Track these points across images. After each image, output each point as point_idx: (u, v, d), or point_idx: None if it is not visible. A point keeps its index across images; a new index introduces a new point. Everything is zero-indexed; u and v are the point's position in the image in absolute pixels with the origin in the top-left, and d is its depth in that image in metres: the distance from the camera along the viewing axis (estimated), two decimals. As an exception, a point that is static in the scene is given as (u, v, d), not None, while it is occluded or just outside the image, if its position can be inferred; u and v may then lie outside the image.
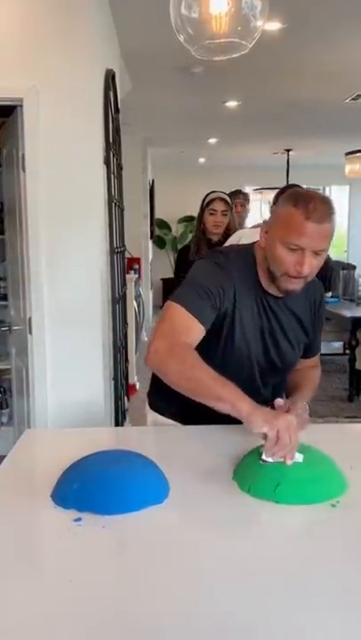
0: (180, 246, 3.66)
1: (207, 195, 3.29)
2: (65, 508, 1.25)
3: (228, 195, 3.82)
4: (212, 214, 3.15)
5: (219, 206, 3.16)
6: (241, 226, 4.05)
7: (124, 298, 3.54)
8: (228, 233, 3.14)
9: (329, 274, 3.60)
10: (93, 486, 1.27)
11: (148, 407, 1.92)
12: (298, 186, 2.60)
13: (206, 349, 1.52)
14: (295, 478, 1.29)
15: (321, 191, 11.32)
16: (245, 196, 4.34)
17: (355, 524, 1.18)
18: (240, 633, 0.88)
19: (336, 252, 10.07)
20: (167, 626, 0.90)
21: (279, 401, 1.55)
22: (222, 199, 3.20)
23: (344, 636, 0.88)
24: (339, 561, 1.08)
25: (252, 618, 0.92)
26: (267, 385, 1.72)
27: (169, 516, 1.24)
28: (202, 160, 10.08)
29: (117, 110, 3.37)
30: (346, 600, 0.96)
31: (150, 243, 9.04)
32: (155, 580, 1.01)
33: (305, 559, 1.08)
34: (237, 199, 4.14)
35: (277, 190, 3.45)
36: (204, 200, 3.26)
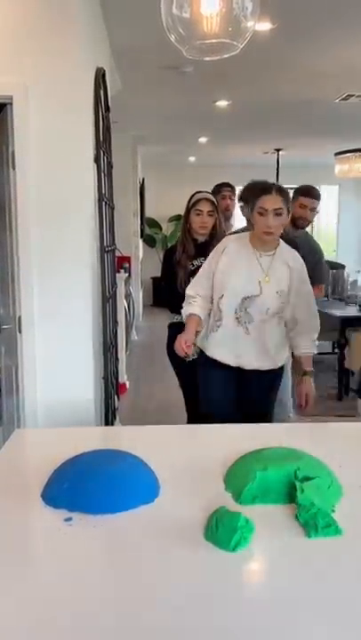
0: (170, 245, 3.54)
1: (193, 195, 3.27)
2: (55, 507, 1.25)
3: (215, 187, 3.94)
4: (198, 215, 3.11)
5: (205, 207, 3.13)
6: (229, 221, 4.02)
7: (114, 297, 3.54)
8: (213, 233, 3.14)
9: (319, 267, 3.60)
10: (84, 486, 1.27)
11: None
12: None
13: None
14: (285, 484, 1.29)
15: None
16: (233, 189, 4.17)
17: (354, 525, 1.19)
18: (236, 632, 0.89)
19: (325, 252, 10.10)
20: (158, 624, 0.90)
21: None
22: (208, 199, 3.18)
23: None
24: (339, 560, 1.09)
25: (247, 616, 0.92)
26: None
27: (159, 515, 1.24)
28: (192, 159, 10.08)
29: (108, 108, 3.36)
30: (345, 599, 0.97)
31: (140, 241, 9.03)
32: (145, 578, 1.02)
33: (304, 559, 1.09)
34: (226, 191, 4.03)
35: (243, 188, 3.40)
36: (189, 200, 3.23)
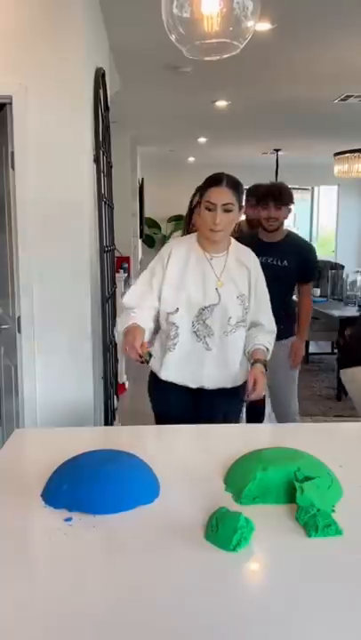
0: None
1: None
2: (55, 507, 1.25)
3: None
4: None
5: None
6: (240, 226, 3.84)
7: (113, 297, 3.53)
8: None
9: (316, 269, 3.50)
10: (84, 486, 1.27)
11: None
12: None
13: None
14: (285, 484, 1.29)
15: (310, 191, 11.39)
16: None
17: (354, 526, 1.19)
18: (237, 632, 0.89)
19: (324, 252, 10.13)
20: (158, 624, 0.90)
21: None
22: None
23: None
24: (339, 560, 1.09)
25: (247, 616, 0.92)
26: None
27: (159, 515, 1.24)
28: (191, 159, 10.08)
29: (107, 108, 3.36)
30: (345, 599, 0.97)
31: (140, 242, 9.03)
32: (145, 579, 1.01)
33: (304, 559, 1.09)
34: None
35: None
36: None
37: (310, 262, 3.25)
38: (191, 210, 3.03)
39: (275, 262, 3.03)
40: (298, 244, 3.22)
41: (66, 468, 1.35)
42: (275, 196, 3.02)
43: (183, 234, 3.09)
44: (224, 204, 2.02)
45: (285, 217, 3.12)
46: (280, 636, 0.88)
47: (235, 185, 2.08)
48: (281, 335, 2.78)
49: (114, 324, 3.56)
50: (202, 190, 2.09)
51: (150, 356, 1.89)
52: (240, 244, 2.22)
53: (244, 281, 2.14)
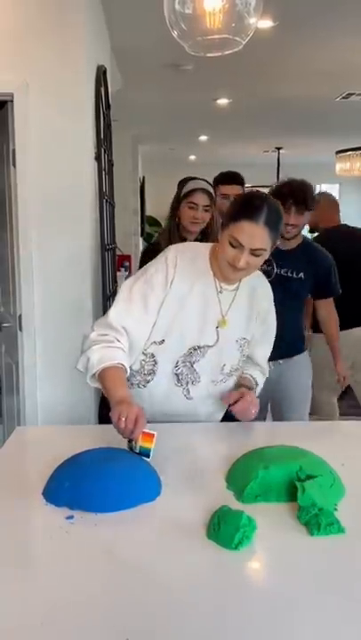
0: (152, 241, 3.00)
1: (185, 182, 2.66)
2: (56, 506, 1.25)
3: (215, 179, 3.14)
4: (191, 208, 2.55)
5: (201, 200, 2.55)
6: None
7: (114, 295, 3.53)
8: (207, 232, 2.61)
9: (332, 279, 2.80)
10: (85, 484, 1.27)
11: None
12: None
13: None
14: (287, 483, 1.28)
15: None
16: (241, 184, 3.32)
17: (356, 524, 1.18)
18: (239, 630, 0.88)
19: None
20: (159, 623, 0.90)
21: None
22: (206, 191, 2.59)
23: None
24: (342, 559, 1.08)
25: (249, 614, 0.92)
26: None
27: (161, 514, 1.23)
28: (192, 157, 10.08)
29: (108, 106, 3.36)
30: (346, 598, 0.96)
31: (141, 240, 9.02)
32: (147, 577, 1.01)
33: (307, 558, 1.08)
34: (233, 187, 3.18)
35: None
36: (181, 189, 2.64)
37: (332, 275, 2.70)
38: (179, 200, 2.63)
39: (290, 274, 2.54)
40: (316, 255, 2.66)
41: (67, 466, 1.35)
42: (298, 199, 2.49)
43: (168, 227, 2.68)
44: (254, 249, 1.55)
45: (306, 223, 2.67)
46: (283, 635, 0.88)
47: (275, 222, 1.56)
48: (292, 352, 2.60)
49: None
50: (229, 216, 1.59)
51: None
52: (256, 272, 1.74)
53: (251, 322, 1.74)
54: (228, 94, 5.60)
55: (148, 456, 1.38)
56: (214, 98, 5.69)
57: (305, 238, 2.72)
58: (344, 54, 4.26)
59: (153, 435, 1.38)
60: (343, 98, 5.59)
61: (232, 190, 3.00)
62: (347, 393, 5.25)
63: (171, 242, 2.42)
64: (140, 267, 2.37)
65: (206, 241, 2.43)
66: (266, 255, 1.59)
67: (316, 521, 1.16)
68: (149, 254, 2.51)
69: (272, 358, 1.93)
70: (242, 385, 1.74)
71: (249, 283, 1.72)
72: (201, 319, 1.66)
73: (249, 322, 1.73)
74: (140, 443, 1.37)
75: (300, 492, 1.22)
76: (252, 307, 1.73)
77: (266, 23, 3.47)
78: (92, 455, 1.38)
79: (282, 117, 6.67)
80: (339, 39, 3.93)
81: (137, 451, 1.39)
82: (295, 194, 2.49)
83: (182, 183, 2.67)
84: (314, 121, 6.84)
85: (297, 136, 7.91)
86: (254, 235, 1.52)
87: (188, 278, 1.65)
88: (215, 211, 2.67)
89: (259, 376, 1.84)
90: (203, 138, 8.18)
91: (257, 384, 1.82)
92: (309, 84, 5.13)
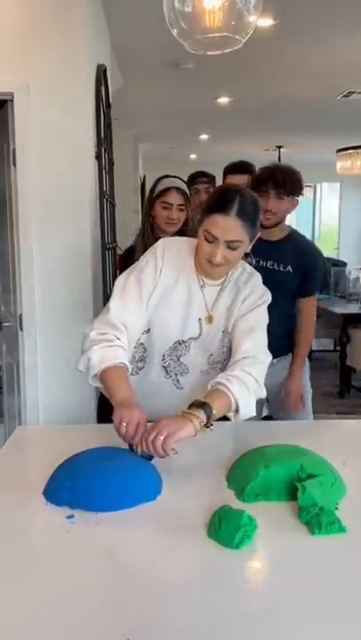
0: (131, 244, 2.74)
1: (158, 180, 2.55)
2: (57, 505, 1.24)
3: (188, 178, 3.08)
4: (165, 208, 2.44)
5: (174, 199, 2.44)
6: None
7: (115, 294, 3.52)
8: (184, 230, 2.47)
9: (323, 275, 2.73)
10: (86, 483, 1.27)
11: None
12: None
13: None
14: (288, 482, 1.28)
15: (312, 188, 11.35)
16: (211, 179, 3.35)
17: (357, 523, 1.18)
18: (240, 629, 0.88)
19: (327, 249, 10.10)
20: (160, 621, 0.89)
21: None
22: (179, 190, 2.47)
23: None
24: (343, 558, 1.08)
25: (250, 613, 0.91)
26: None
27: (161, 513, 1.23)
28: (193, 156, 10.06)
29: (109, 105, 3.35)
30: (346, 598, 0.96)
31: (141, 239, 9.01)
32: (147, 576, 1.01)
33: (308, 557, 1.08)
34: (200, 183, 3.26)
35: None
36: (154, 186, 2.52)
37: (317, 271, 2.53)
38: (152, 199, 2.52)
39: (276, 267, 2.40)
40: (300, 248, 2.49)
41: (68, 466, 1.35)
42: (277, 183, 2.34)
43: (142, 229, 2.56)
44: (228, 241, 1.54)
45: (288, 211, 2.47)
46: (283, 634, 0.88)
47: (250, 213, 1.54)
48: (283, 350, 2.41)
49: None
50: (203, 211, 1.59)
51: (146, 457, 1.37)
52: (249, 270, 1.73)
53: (235, 313, 1.68)
54: (229, 93, 5.59)
55: (150, 459, 1.37)
56: (215, 96, 5.68)
57: (292, 229, 2.56)
58: (345, 53, 4.26)
59: None
60: (344, 96, 5.58)
61: (241, 180, 2.78)
62: (349, 392, 5.26)
63: (145, 244, 2.34)
64: (121, 272, 2.05)
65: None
66: (244, 248, 1.58)
67: (317, 520, 1.16)
68: (128, 255, 2.54)
69: None
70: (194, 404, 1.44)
71: (236, 276, 1.70)
72: (184, 313, 1.66)
73: (232, 313, 1.67)
74: (142, 447, 1.36)
75: (300, 492, 1.22)
76: (237, 298, 1.68)
77: (266, 22, 3.47)
78: (93, 454, 1.38)
79: (282, 116, 6.66)
80: (339, 37, 3.92)
81: (138, 454, 1.37)
82: (274, 177, 2.35)
83: (156, 182, 2.58)
84: (314, 119, 6.83)
85: (297, 134, 7.90)
86: (227, 227, 1.51)
87: (174, 270, 1.66)
88: (192, 209, 2.57)
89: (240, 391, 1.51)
90: (203, 136, 8.17)
91: (234, 402, 1.50)
92: (310, 83, 5.13)
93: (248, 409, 1.51)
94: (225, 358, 1.71)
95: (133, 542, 1.13)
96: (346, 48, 4.16)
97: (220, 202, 1.54)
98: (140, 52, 4.18)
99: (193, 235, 1.85)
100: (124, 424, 1.36)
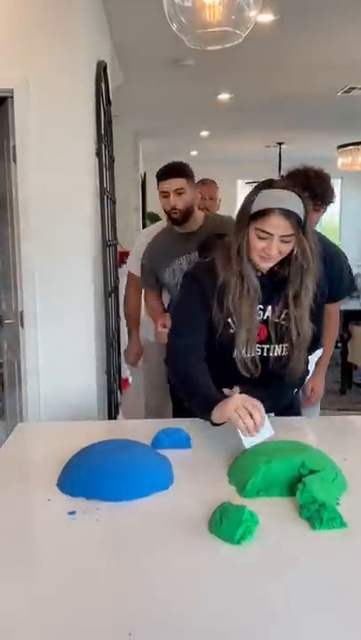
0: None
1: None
2: (72, 496, 1.26)
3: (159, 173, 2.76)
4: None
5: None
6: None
7: (116, 291, 3.53)
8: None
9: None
10: (101, 473, 1.28)
11: None
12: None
13: None
14: (289, 477, 1.28)
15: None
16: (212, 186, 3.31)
17: (358, 518, 1.18)
18: (241, 625, 0.88)
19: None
20: (162, 616, 0.89)
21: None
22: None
23: None
24: (344, 553, 1.08)
25: (251, 608, 0.92)
26: None
27: (163, 508, 1.23)
28: (194, 153, 10.04)
29: (109, 102, 3.35)
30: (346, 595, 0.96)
31: (142, 236, 9.00)
32: (149, 571, 1.01)
33: (309, 552, 1.08)
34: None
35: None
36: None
37: (340, 277, 2.47)
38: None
39: None
40: (328, 253, 2.18)
41: (82, 457, 1.37)
42: (315, 194, 2.31)
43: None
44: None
45: (316, 222, 2.38)
46: (285, 630, 0.88)
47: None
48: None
49: (117, 319, 3.53)
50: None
51: None
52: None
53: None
54: (230, 89, 5.58)
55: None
56: (215, 93, 5.67)
57: (320, 235, 2.35)
58: (345, 48, 4.24)
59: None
60: (345, 92, 5.57)
61: (177, 184, 2.47)
62: (351, 388, 5.25)
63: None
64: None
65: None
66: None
67: (319, 515, 1.16)
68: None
69: None
70: None
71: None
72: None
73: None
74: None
75: (299, 491, 1.22)
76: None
77: (267, 17, 3.45)
78: (105, 446, 1.41)
79: (283, 112, 6.64)
80: (340, 33, 3.91)
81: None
82: (312, 187, 2.29)
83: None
84: (315, 115, 6.81)
85: (298, 131, 7.88)
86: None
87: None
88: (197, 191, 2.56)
89: None
90: (204, 133, 8.15)
91: None
92: (311, 79, 5.11)
93: None
94: None
95: (135, 538, 1.13)
96: (347, 44, 4.15)
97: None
98: (140, 49, 4.17)
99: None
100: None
